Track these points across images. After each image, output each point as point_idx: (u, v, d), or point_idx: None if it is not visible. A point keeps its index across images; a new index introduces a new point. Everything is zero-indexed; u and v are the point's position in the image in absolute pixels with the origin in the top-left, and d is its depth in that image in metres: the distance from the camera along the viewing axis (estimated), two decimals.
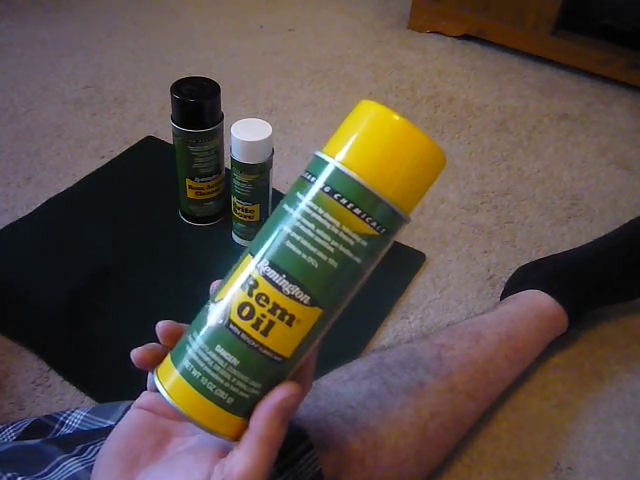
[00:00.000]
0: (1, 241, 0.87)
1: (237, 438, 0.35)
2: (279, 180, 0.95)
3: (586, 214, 1.00)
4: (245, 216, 0.84)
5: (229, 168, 0.82)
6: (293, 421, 0.51)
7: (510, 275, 0.84)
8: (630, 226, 0.81)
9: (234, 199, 0.84)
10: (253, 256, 0.34)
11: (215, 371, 0.34)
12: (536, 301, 0.74)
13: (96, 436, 0.50)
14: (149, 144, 1.06)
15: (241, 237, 0.87)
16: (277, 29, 1.44)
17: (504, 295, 0.81)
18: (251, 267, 0.34)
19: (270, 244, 0.34)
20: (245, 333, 0.33)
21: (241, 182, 0.81)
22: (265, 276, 0.33)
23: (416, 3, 1.43)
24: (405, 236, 0.92)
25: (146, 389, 0.40)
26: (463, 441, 0.66)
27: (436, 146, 0.34)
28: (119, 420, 0.39)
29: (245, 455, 0.33)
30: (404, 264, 0.88)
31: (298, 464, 0.48)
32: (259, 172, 0.80)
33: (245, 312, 0.33)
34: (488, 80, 1.31)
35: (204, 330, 0.35)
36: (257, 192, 0.82)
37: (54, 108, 1.13)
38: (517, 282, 0.80)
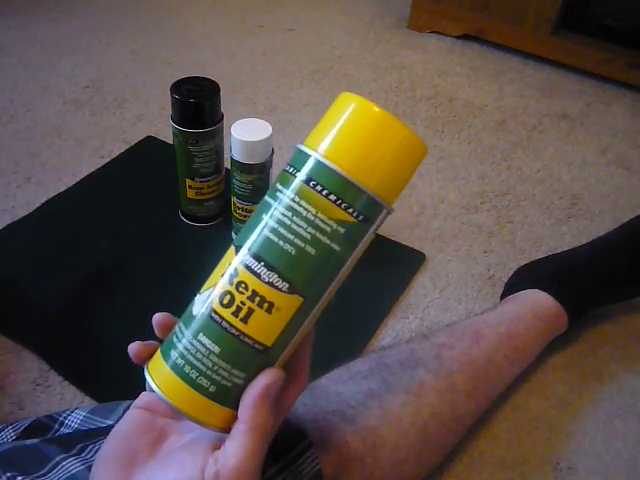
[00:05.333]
0: (1, 241, 0.87)
1: (228, 430, 0.35)
2: None
3: (586, 214, 1.00)
4: (245, 216, 0.84)
5: (229, 168, 0.82)
6: (292, 420, 0.51)
7: (510, 275, 0.84)
8: (629, 225, 0.81)
9: (234, 199, 0.84)
10: (235, 247, 0.35)
11: (197, 359, 0.34)
12: (536, 301, 0.74)
13: (95, 435, 0.50)
14: (149, 144, 1.06)
15: None
16: (277, 29, 1.44)
17: (504, 295, 0.81)
18: (233, 258, 0.35)
19: (250, 234, 0.34)
20: (226, 321, 0.34)
21: (241, 182, 0.81)
22: (245, 264, 0.34)
23: (416, 3, 1.43)
24: (405, 236, 0.92)
25: (144, 389, 0.40)
26: (463, 441, 0.66)
27: (416, 136, 0.34)
28: (119, 420, 0.39)
29: (236, 446, 0.33)
30: (404, 264, 0.88)
31: (297, 463, 0.48)
32: (259, 172, 0.80)
33: (226, 300, 0.34)
34: (488, 80, 1.31)
35: (189, 320, 0.35)
36: (257, 192, 0.81)
37: (54, 108, 1.13)
38: (517, 282, 0.80)
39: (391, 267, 0.87)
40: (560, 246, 0.92)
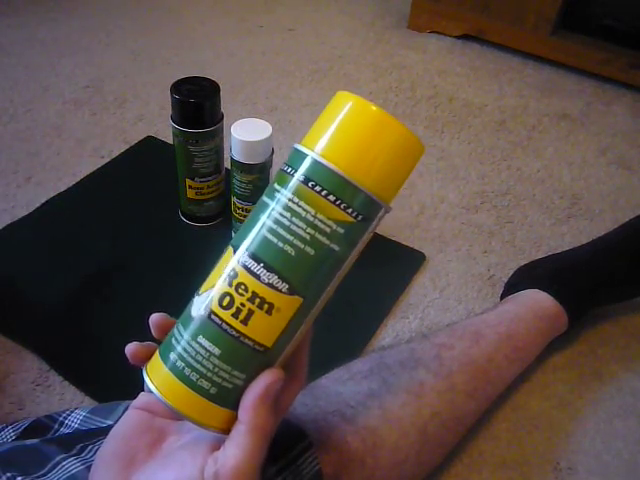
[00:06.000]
0: (1, 241, 0.87)
1: (228, 431, 0.35)
2: None
3: (586, 214, 1.00)
4: (245, 216, 0.84)
5: (229, 168, 0.82)
6: (292, 420, 0.51)
7: (510, 275, 0.84)
8: (629, 225, 0.81)
9: (234, 199, 0.84)
10: (234, 248, 0.35)
11: (198, 361, 0.34)
12: (536, 300, 0.74)
13: (95, 435, 0.50)
14: (149, 144, 1.06)
15: None
16: (277, 29, 1.44)
17: (504, 295, 0.81)
18: (231, 258, 0.35)
19: (249, 235, 0.34)
20: (225, 323, 0.34)
21: (241, 182, 0.81)
22: (244, 266, 0.34)
23: (416, 3, 1.43)
24: (405, 236, 0.92)
25: (143, 390, 0.40)
26: (463, 441, 0.66)
27: (413, 134, 0.34)
28: (118, 420, 0.39)
29: (236, 446, 0.33)
30: (404, 264, 0.88)
31: (297, 463, 0.48)
32: (259, 172, 0.80)
33: (225, 302, 0.34)
34: (488, 80, 1.31)
35: (187, 322, 0.35)
36: (257, 192, 0.81)
37: (54, 108, 1.13)
38: (517, 282, 0.80)
39: (391, 267, 0.87)
40: (560, 246, 0.92)
